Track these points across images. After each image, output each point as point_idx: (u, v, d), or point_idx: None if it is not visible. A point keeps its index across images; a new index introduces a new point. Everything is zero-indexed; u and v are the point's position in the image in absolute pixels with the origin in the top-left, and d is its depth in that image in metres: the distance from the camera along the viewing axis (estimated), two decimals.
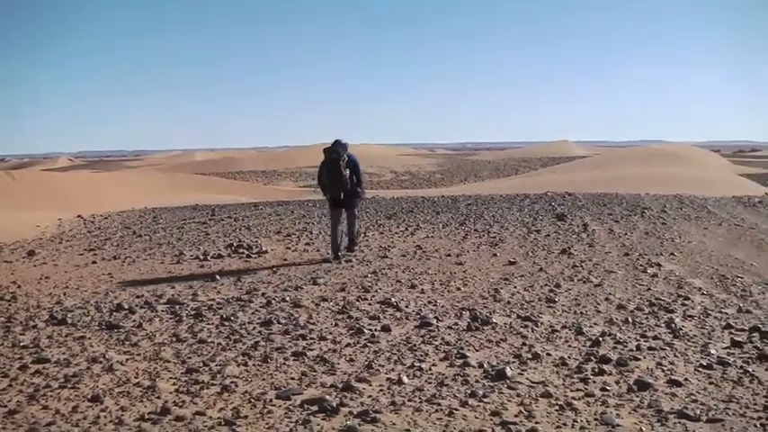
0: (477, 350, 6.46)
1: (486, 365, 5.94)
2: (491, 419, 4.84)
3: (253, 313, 7.88)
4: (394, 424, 4.76)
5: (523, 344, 6.64)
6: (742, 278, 10.13)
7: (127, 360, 6.21)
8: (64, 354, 6.42)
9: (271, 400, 5.19)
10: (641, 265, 10.98)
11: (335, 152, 12.06)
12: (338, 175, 11.99)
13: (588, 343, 6.67)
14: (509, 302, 8.43)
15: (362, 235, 14.60)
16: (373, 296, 8.76)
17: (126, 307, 8.20)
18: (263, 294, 8.90)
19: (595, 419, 4.84)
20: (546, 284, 9.51)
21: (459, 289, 9.25)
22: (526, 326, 7.29)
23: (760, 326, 7.25)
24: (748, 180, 34.55)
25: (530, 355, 6.24)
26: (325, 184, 12.26)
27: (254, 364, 6.06)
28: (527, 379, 5.64)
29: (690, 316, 7.80)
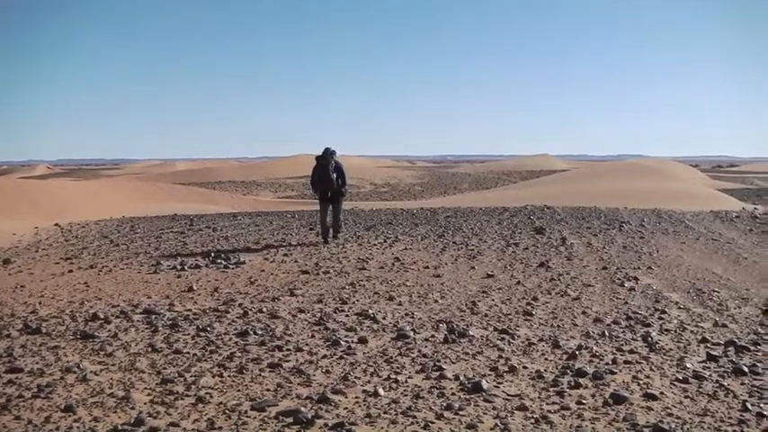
0: (453, 363, 6.46)
1: (462, 378, 5.94)
2: None
3: (229, 324, 7.84)
4: None
5: (500, 357, 6.65)
6: (718, 292, 10.19)
7: (101, 370, 6.16)
8: (37, 363, 6.36)
9: (246, 412, 5.17)
10: (619, 279, 11.02)
11: (325, 159, 15.31)
12: (327, 177, 15.26)
13: (565, 356, 6.69)
14: (486, 315, 8.44)
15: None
16: (350, 308, 8.75)
17: (101, 317, 8.14)
18: (239, 305, 8.85)
19: None
20: (523, 297, 9.53)
21: (436, 301, 9.25)
22: (503, 339, 7.30)
23: (735, 340, 7.31)
24: (726, 195, 34.77)
25: (506, 368, 6.24)
26: (316, 183, 15.51)
27: (229, 375, 6.03)
28: (503, 392, 5.65)
29: (666, 330, 7.84)
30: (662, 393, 5.66)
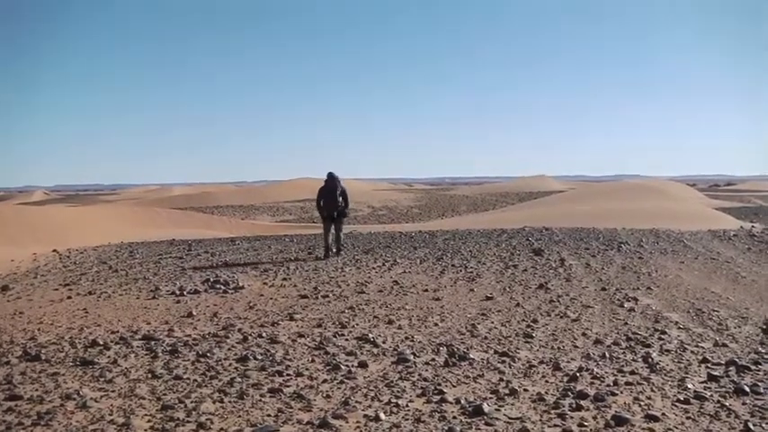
0: (454, 386, 6.45)
1: (463, 401, 5.93)
2: None
3: (229, 349, 7.83)
4: None
5: (501, 379, 6.64)
6: (718, 312, 10.20)
7: (101, 397, 6.15)
8: (37, 390, 6.34)
9: None
10: (618, 300, 11.03)
11: (333, 183, 17.12)
12: (334, 199, 17.07)
13: (565, 378, 6.68)
14: (486, 338, 8.43)
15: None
16: (350, 332, 8.73)
17: (101, 343, 8.12)
18: (239, 330, 8.84)
19: None
20: (523, 320, 9.52)
21: (436, 324, 9.24)
22: (503, 361, 7.29)
23: (736, 360, 7.30)
24: (724, 214, 34.80)
25: (507, 391, 6.23)
26: (322, 205, 17.24)
27: (229, 401, 6.01)
28: (504, 415, 5.64)
29: (667, 350, 7.84)
30: (663, 414, 5.66)
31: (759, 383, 6.48)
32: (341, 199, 17.20)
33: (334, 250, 17.36)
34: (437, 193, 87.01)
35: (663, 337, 8.56)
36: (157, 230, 31.31)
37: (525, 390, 6.31)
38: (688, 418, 5.63)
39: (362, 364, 7.12)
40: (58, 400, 6.03)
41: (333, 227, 17.32)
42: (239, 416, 5.65)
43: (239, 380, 6.61)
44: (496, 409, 5.76)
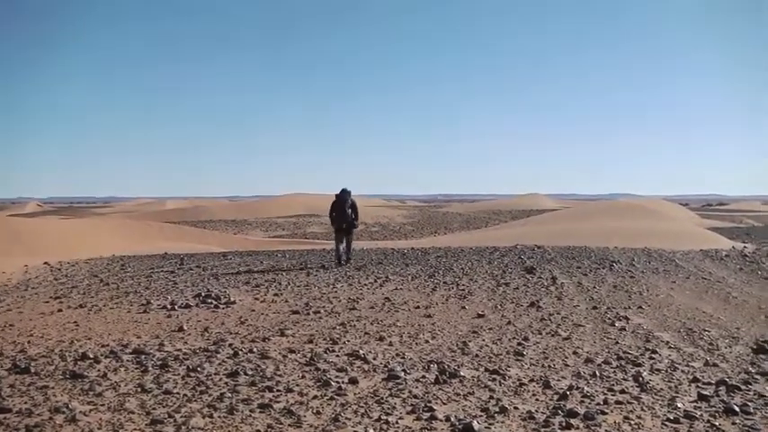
0: (444, 403, 6.44)
1: (453, 419, 5.92)
2: None
3: (219, 364, 7.81)
4: None
5: (491, 397, 6.63)
6: (709, 332, 10.21)
7: (90, 410, 6.12)
8: (26, 403, 6.31)
9: None
10: (609, 319, 11.03)
11: (343, 197, 18.95)
12: (343, 211, 18.88)
13: (556, 397, 6.67)
14: (477, 355, 8.42)
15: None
16: (341, 348, 8.72)
17: (91, 356, 8.09)
18: (230, 345, 8.82)
19: None
20: (514, 338, 9.52)
21: (427, 341, 9.23)
22: (494, 379, 7.29)
23: (726, 379, 7.31)
24: (716, 233, 34.85)
25: (497, 409, 6.22)
26: (333, 217, 19.09)
27: (219, 416, 5.99)
28: None
29: (657, 369, 7.84)
30: None
31: (749, 403, 6.49)
32: (350, 212, 18.99)
33: (345, 259, 19.07)
34: (430, 211, 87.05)
35: (653, 356, 8.56)
36: (150, 244, 31.25)
37: (515, 408, 6.31)
38: None
39: (353, 381, 7.11)
40: (46, 414, 6.01)
41: (345, 238, 19.16)
42: (228, 431, 5.64)
43: (229, 395, 6.60)
44: (486, 427, 5.76)
